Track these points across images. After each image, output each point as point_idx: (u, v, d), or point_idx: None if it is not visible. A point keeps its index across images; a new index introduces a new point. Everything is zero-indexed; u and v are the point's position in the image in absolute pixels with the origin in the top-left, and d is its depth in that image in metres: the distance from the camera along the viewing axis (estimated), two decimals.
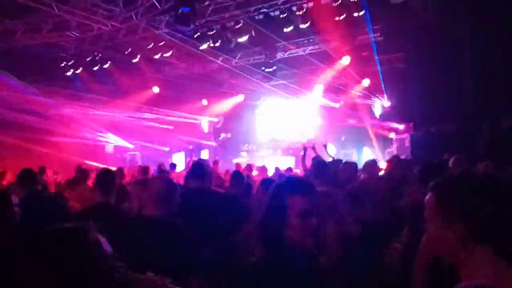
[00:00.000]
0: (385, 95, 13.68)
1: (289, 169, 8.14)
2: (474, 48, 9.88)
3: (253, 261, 1.69)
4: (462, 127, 10.39)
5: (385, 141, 13.22)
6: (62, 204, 4.43)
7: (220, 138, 14.49)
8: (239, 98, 17.67)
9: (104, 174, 3.73)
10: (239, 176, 4.81)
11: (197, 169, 3.86)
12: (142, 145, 16.56)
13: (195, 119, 18.17)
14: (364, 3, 9.49)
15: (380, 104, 14.04)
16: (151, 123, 16.61)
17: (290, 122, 17.22)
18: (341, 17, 9.49)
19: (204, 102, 17.73)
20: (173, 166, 10.38)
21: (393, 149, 11.96)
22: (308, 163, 8.57)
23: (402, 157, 10.62)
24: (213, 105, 17.77)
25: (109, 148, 15.25)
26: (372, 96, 14.01)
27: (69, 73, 12.99)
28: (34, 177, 4.33)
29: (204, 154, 16.53)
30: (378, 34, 11.94)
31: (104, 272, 1.26)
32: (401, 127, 12.69)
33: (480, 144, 10.04)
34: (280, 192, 1.75)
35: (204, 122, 18.42)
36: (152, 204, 2.51)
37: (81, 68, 12.82)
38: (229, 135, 14.60)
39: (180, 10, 8.85)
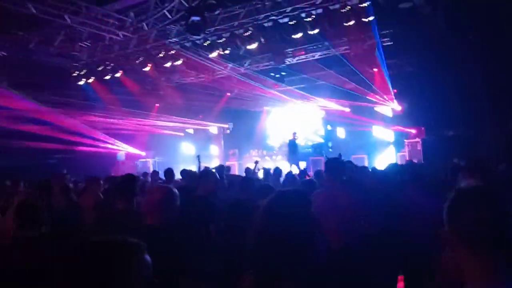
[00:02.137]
0: (394, 99, 13.64)
1: (304, 172, 8.05)
2: (484, 51, 9.83)
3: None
4: (474, 130, 10.34)
5: (397, 145, 13.17)
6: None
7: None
8: (250, 103, 17.78)
9: (126, 181, 3.83)
10: (248, 181, 4.83)
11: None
12: (155, 152, 16.72)
13: (206, 125, 18.31)
14: (372, 9, 9.50)
15: (390, 108, 13.99)
16: (165, 131, 16.81)
17: (300, 126, 17.24)
18: (350, 23, 9.49)
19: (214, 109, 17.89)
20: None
21: (405, 153, 11.93)
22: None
23: (415, 160, 10.64)
24: (223, 111, 17.90)
25: (121, 156, 15.40)
26: (382, 101, 13.97)
27: (81, 83, 13.18)
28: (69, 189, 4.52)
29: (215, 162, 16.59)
30: (388, 39, 11.94)
31: None
32: (412, 131, 12.65)
33: (492, 147, 9.98)
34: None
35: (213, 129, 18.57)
36: (152, 212, 2.62)
37: (93, 78, 12.99)
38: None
39: (190, 20, 8.95)
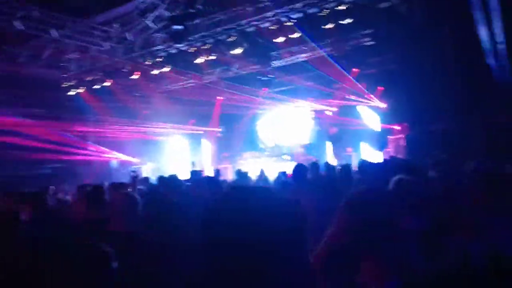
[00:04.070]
0: (378, 97, 13.91)
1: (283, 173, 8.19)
2: (459, 47, 10.09)
3: None
4: (455, 125, 10.58)
5: (382, 142, 13.42)
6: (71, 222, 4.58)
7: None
8: (239, 107, 18.08)
9: (94, 190, 4.06)
10: (214, 182, 4.91)
11: None
12: (148, 158, 16.91)
13: (198, 130, 18.53)
14: (350, 11, 9.73)
15: (375, 106, 14.25)
16: (157, 137, 17.02)
17: (289, 128, 17.52)
18: (328, 26, 9.75)
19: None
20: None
21: (390, 150, 12.18)
22: None
23: (399, 156, 10.89)
24: (214, 115, 18.16)
25: (114, 164, 15.61)
26: (367, 99, 14.23)
27: (71, 93, 13.40)
28: (44, 196, 4.59)
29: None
30: (369, 39, 12.20)
31: None
32: (396, 127, 12.89)
33: (474, 140, 10.23)
34: None
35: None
36: (116, 218, 2.77)
37: (82, 88, 13.23)
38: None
39: (172, 29, 9.20)
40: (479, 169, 5.10)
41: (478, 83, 10.29)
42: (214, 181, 4.84)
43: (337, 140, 14.36)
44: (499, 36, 7.69)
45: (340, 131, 14.49)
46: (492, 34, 7.99)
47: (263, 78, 14.59)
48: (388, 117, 13.58)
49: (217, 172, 9.82)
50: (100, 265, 1.55)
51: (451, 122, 10.87)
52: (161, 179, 6.27)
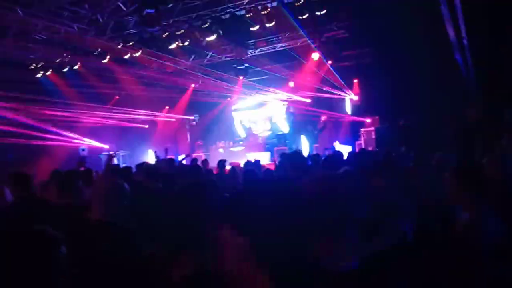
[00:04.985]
0: (352, 89, 14.06)
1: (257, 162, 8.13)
2: (432, 42, 10.26)
3: None
4: (423, 119, 10.81)
5: (354, 135, 13.61)
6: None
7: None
8: (214, 95, 17.93)
9: (67, 175, 3.94)
10: (196, 169, 5.03)
11: None
12: (119, 145, 16.55)
13: (171, 117, 18.28)
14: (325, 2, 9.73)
15: (349, 98, 14.39)
16: (129, 123, 16.66)
17: (265, 117, 17.51)
18: (304, 16, 9.73)
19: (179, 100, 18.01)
20: None
21: (361, 142, 12.36)
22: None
23: (370, 148, 11.06)
24: (187, 103, 17.95)
25: (83, 150, 15.19)
26: (342, 91, 14.35)
27: (38, 75, 12.93)
28: (28, 180, 4.16)
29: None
30: (344, 31, 12.26)
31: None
32: (368, 120, 13.08)
33: (441, 134, 10.47)
34: None
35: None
36: (98, 205, 2.57)
37: (50, 70, 12.77)
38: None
39: (144, 12, 8.95)
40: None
41: (448, 78, 10.53)
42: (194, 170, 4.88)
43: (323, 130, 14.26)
44: (463, 31, 7.86)
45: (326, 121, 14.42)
46: (457, 29, 8.17)
47: (238, 67, 14.47)
48: (361, 109, 13.76)
49: (195, 161, 9.64)
50: (46, 250, 1.49)
51: (421, 116, 11.09)
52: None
